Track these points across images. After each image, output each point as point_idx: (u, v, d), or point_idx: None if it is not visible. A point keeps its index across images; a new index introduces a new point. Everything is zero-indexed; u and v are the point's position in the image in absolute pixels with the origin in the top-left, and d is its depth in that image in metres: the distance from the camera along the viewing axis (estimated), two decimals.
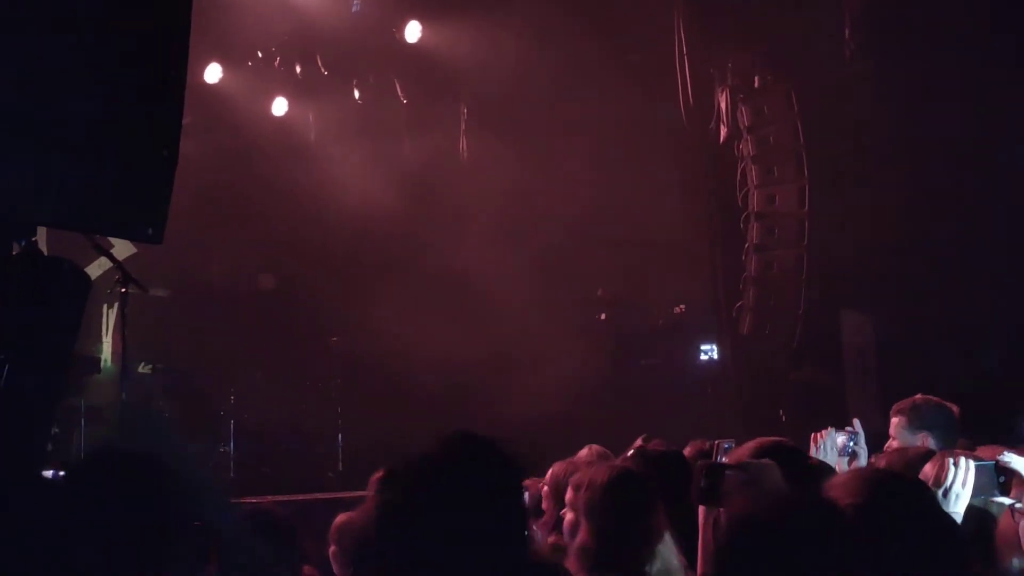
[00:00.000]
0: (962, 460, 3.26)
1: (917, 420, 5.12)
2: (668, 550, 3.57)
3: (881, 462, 3.95)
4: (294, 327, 11.89)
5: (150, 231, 4.00)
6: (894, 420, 5.18)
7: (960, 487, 3.21)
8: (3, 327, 3.53)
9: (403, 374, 11.22)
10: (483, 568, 2.25)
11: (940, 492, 3.21)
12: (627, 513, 3.61)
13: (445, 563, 2.22)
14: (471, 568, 2.23)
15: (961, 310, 9.09)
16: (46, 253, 3.98)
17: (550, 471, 4.72)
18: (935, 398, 5.28)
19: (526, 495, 3.99)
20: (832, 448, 4.50)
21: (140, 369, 10.29)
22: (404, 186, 11.84)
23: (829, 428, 4.60)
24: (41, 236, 4.22)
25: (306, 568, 4.04)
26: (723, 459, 3.75)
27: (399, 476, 2.39)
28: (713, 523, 3.06)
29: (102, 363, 10.30)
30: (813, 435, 4.57)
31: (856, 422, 4.73)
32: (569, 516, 3.80)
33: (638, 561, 3.55)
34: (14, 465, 2.85)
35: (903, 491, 2.65)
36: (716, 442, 4.03)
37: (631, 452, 4.58)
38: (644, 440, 6.71)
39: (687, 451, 4.73)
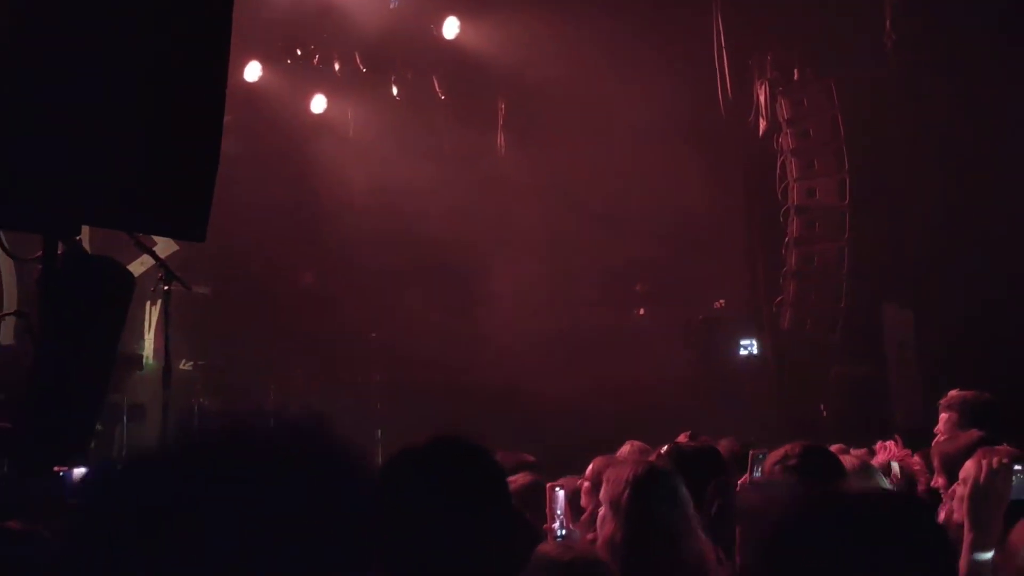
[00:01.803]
0: (1003, 463, 3.21)
1: (968, 416, 5.05)
2: (697, 545, 3.57)
3: (934, 456, 3.90)
4: (333, 323, 11.94)
5: (193, 229, 4.05)
6: (944, 416, 5.12)
7: (998, 488, 3.16)
8: (51, 326, 3.59)
9: (442, 370, 11.24)
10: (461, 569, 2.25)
11: (979, 491, 3.17)
12: (651, 509, 3.62)
13: (423, 564, 2.24)
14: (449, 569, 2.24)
15: (1004, 302, 8.97)
16: (89, 251, 4.03)
17: (590, 467, 4.71)
18: (986, 393, 5.21)
19: (560, 494, 3.99)
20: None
21: (181, 366, 10.38)
22: (442, 181, 11.85)
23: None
24: (84, 233, 4.28)
25: None
26: (757, 469, 3.72)
27: (385, 470, 2.39)
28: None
29: (144, 360, 10.41)
30: (880, 443, 4.48)
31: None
32: (602, 510, 3.83)
33: (662, 555, 3.56)
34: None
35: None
36: (751, 452, 3.98)
37: (665, 448, 4.56)
38: (689, 437, 6.68)
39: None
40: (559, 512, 3.90)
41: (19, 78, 3.62)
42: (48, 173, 3.68)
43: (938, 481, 4.39)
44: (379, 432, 11.41)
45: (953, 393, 5.28)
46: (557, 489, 3.94)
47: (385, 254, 12.10)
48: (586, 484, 4.63)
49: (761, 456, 3.70)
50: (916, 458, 5.10)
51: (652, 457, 4.46)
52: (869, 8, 9.88)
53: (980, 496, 3.16)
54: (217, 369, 11.00)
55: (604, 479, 3.81)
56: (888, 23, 9.86)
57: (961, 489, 3.65)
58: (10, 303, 10.37)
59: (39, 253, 3.83)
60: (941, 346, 9.48)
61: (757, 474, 3.60)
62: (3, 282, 10.69)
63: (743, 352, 11.57)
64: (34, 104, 3.63)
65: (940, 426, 5.23)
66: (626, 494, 3.61)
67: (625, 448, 5.21)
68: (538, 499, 4.24)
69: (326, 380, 11.61)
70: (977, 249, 9.20)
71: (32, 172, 3.66)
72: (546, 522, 4.11)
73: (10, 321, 8.84)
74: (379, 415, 11.45)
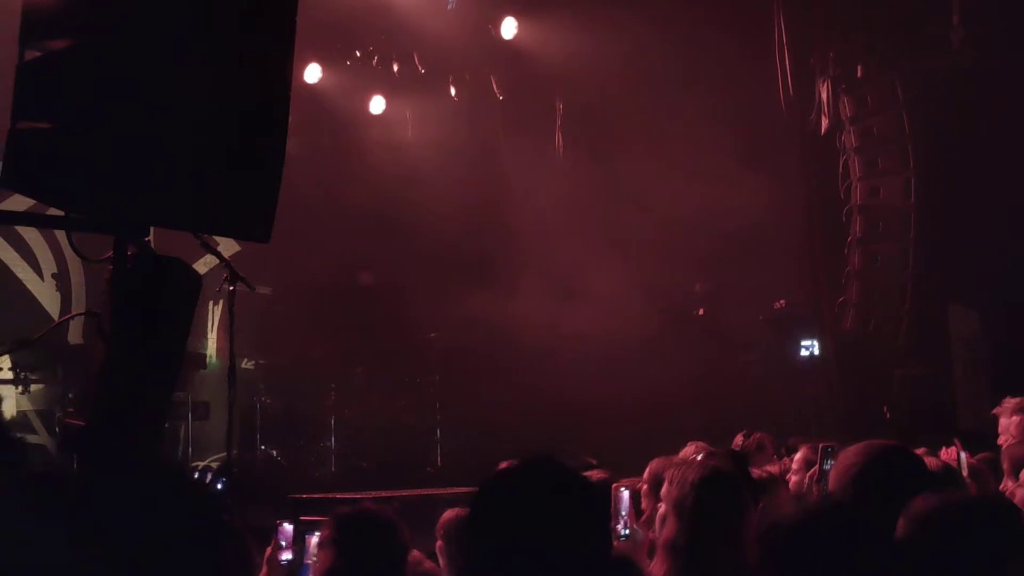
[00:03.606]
0: None
1: None
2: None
3: (1005, 459, 3.82)
4: (393, 323, 12.00)
5: (258, 230, 4.09)
6: (1015, 419, 5.01)
7: None
8: (121, 326, 3.65)
9: (501, 371, 11.25)
10: None
11: None
12: (713, 511, 3.61)
13: None
14: None
15: None
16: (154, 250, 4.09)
17: (648, 468, 4.69)
18: None
19: (625, 495, 3.98)
20: None
21: (243, 365, 10.52)
22: (501, 182, 11.86)
23: None
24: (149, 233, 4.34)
25: (415, 551, 4.10)
26: (828, 463, 3.67)
27: (485, 495, 2.40)
28: None
29: (208, 359, 10.57)
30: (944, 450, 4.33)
31: None
32: (661, 509, 3.82)
33: (724, 558, 3.54)
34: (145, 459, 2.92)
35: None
36: (820, 445, 3.94)
37: (727, 448, 4.53)
38: (744, 436, 6.63)
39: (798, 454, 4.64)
40: (623, 513, 3.90)
41: (91, 80, 3.69)
42: (118, 175, 3.73)
43: (1008, 484, 4.31)
44: (437, 432, 11.47)
45: (1017, 399, 5.17)
46: (622, 489, 3.94)
47: (445, 254, 12.14)
48: (644, 487, 4.62)
49: (831, 449, 3.65)
50: (976, 461, 5.02)
51: (713, 459, 4.42)
52: (935, 2, 9.70)
53: None
54: (278, 368, 11.13)
55: (667, 479, 3.80)
56: (955, 17, 9.66)
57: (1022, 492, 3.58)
58: (79, 303, 10.60)
59: (109, 254, 3.89)
60: (1007, 347, 9.29)
61: (827, 467, 3.55)
62: (72, 283, 10.93)
63: (804, 353, 11.43)
64: (105, 106, 3.70)
65: (1011, 431, 5.12)
66: (691, 496, 3.60)
67: (688, 449, 5.18)
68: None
69: (385, 380, 11.68)
70: None
71: (103, 174, 3.72)
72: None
73: (79, 321, 9.03)
74: (438, 414, 11.51)
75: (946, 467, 3.74)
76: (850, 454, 3.14)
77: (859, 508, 2.74)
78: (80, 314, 9.25)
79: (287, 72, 4.09)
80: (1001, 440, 5.10)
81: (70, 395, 8.62)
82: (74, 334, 9.85)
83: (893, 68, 10.27)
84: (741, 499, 3.66)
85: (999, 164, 9.50)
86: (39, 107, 3.68)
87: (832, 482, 3.08)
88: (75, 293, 10.90)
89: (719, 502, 3.62)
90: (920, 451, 4.66)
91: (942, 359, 10.07)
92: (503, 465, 2.50)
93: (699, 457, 4.44)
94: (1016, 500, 3.61)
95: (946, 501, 2.53)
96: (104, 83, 3.65)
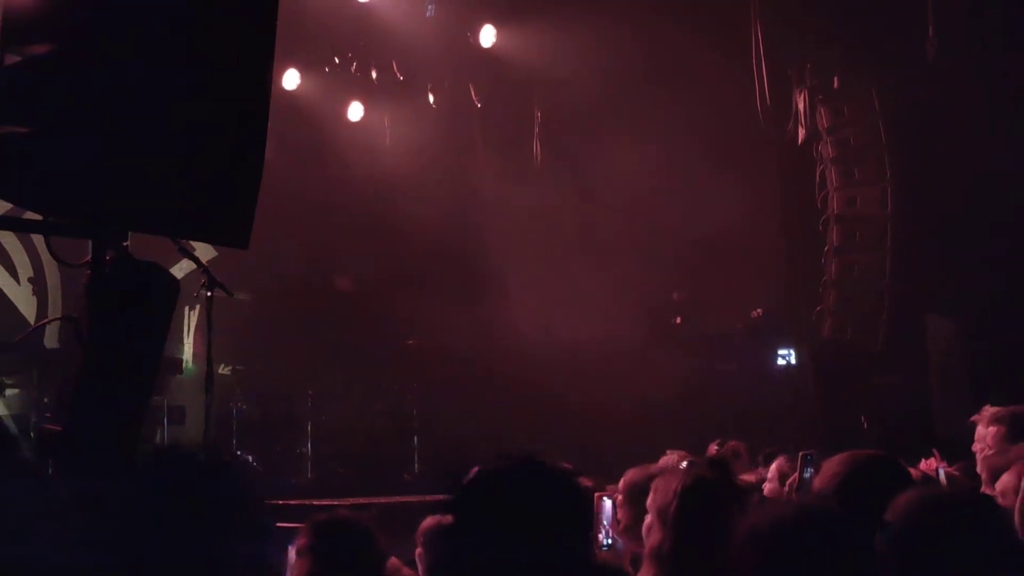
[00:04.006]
0: None
1: (1017, 429, 4.97)
2: None
3: (982, 469, 3.84)
4: (371, 329, 11.97)
5: (237, 236, 4.07)
6: (992, 430, 5.04)
7: None
8: (98, 330, 3.63)
9: (479, 377, 11.24)
10: None
11: (1018, 502, 3.14)
12: (698, 519, 3.61)
13: None
14: None
15: None
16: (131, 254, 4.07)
17: (624, 478, 4.69)
18: None
19: (607, 504, 3.98)
20: None
21: (220, 370, 10.45)
22: (479, 189, 11.87)
23: None
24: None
25: (393, 559, 4.09)
26: (808, 471, 3.68)
27: (471, 495, 2.38)
28: None
29: (184, 364, 10.52)
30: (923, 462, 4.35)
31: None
32: (648, 518, 3.82)
33: (709, 565, 3.54)
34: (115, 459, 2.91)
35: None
36: (800, 453, 3.94)
37: (706, 457, 4.53)
38: (718, 445, 6.65)
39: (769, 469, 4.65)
40: (605, 522, 3.89)
41: (70, 84, 3.67)
42: (97, 179, 3.71)
43: (986, 493, 4.33)
44: (415, 438, 11.44)
45: (995, 408, 5.20)
46: (605, 499, 3.93)
47: (422, 260, 12.14)
48: (619, 496, 4.61)
49: (810, 457, 3.66)
50: (954, 471, 5.05)
51: (694, 467, 4.43)
52: (910, 14, 9.78)
53: None
54: (255, 374, 11.07)
55: (652, 488, 3.80)
56: (930, 28, 9.75)
57: (1000, 501, 3.60)
58: (55, 308, 10.52)
59: (86, 258, 3.87)
60: (984, 357, 9.36)
61: (807, 475, 3.56)
62: (49, 287, 10.84)
63: (781, 362, 11.48)
64: (84, 110, 3.68)
65: (987, 440, 5.14)
66: (674, 504, 3.60)
67: (668, 458, 5.18)
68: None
69: (362, 385, 11.65)
70: (1022, 259, 9.08)
71: (81, 178, 3.70)
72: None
73: (55, 325, 8.96)
74: (415, 420, 11.48)
75: (925, 478, 3.76)
76: (834, 463, 3.16)
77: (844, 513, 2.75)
78: (57, 319, 9.18)
79: (267, 77, 4.08)
80: (976, 447, 5.13)
81: (45, 400, 8.55)
82: (50, 339, 9.77)
83: (869, 79, 10.35)
84: (726, 507, 3.66)
85: (975, 174, 9.58)
86: (17, 111, 3.66)
87: (815, 490, 3.09)
88: (51, 297, 10.82)
89: (703, 510, 3.62)
90: None
91: (919, 368, 10.14)
92: (486, 464, 2.46)
93: (683, 465, 4.44)
94: None
95: (929, 496, 2.56)
96: (83, 87, 3.63)
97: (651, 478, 4.15)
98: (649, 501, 3.83)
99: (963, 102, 9.64)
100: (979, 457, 4.87)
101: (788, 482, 4.01)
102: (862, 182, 10.35)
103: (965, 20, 9.59)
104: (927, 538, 2.41)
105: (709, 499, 3.65)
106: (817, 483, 3.16)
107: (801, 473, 3.75)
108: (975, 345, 9.64)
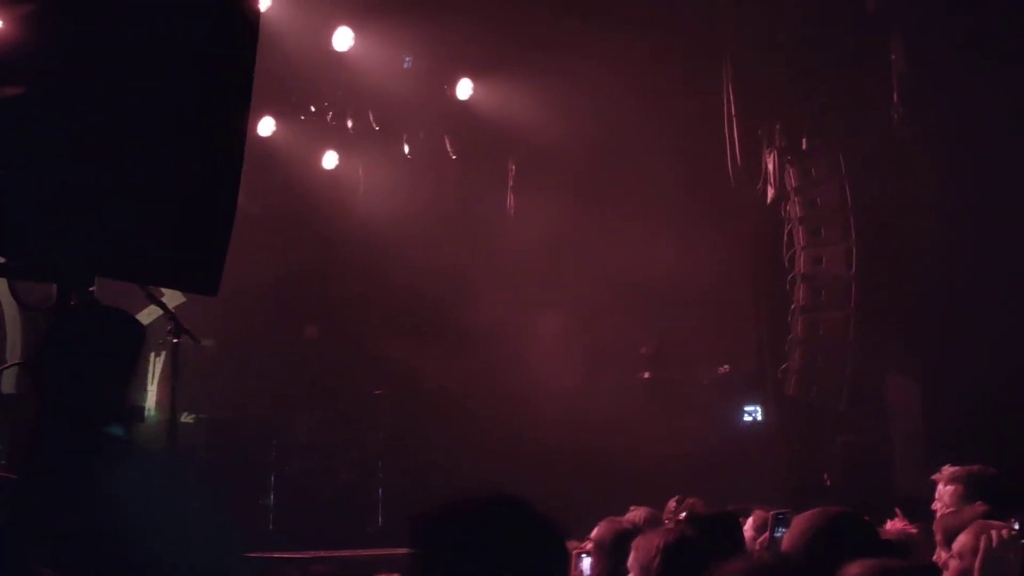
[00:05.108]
0: (1005, 535, 3.19)
1: (973, 489, 5.00)
2: None
3: (937, 530, 3.86)
4: (337, 379, 11.91)
5: (206, 283, 4.06)
6: (949, 488, 5.07)
7: (996, 562, 3.15)
8: (62, 376, 3.58)
9: (446, 429, 11.20)
10: None
11: (991, 562, 3.16)
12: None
13: None
14: None
15: (1012, 375, 8.94)
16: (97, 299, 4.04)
17: (595, 531, 4.68)
18: (991, 468, 5.17)
19: (586, 561, 3.97)
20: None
21: (183, 418, 10.33)
22: (451, 241, 11.91)
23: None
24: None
25: None
26: (780, 530, 3.70)
27: (439, 535, 2.32)
28: None
29: (146, 412, 10.38)
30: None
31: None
32: None
33: None
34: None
35: None
36: (773, 513, 3.96)
37: (683, 515, 4.54)
38: (676, 502, 6.64)
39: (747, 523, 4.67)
40: None
41: (39, 129, 3.67)
42: (64, 224, 3.70)
43: (940, 555, 4.34)
44: (379, 491, 11.33)
45: (954, 468, 5.23)
46: (584, 556, 3.93)
47: (391, 310, 12.12)
48: (591, 547, 4.61)
49: (782, 517, 3.68)
50: (914, 531, 5.06)
51: (671, 524, 4.45)
52: (876, 80, 9.99)
53: (991, 568, 3.14)
54: (219, 422, 10.95)
55: (633, 546, 3.84)
56: (895, 95, 9.96)
57: (957, 562, 3.62)
58: (14, 353, 10.37)
59: (50, 302, 3.84)
60: (947, 418, 9.44)
61: (779, 534, 3.58)
62: (8, 331, 10.69)
63: (747, 418, 11.53)
64: (53, 154, 3.67)
65: (944, 499, 5.17)
66: (656, 561, 3.63)
67: (634, 513, 5.17)
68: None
69: (328, 435, 11.56)
70: (985, 321, 9.20)
71: (48, 223, 3.68)
72: None
73: (13, 370, 8.83)
74: (380, 472, 11.38)
75: (900, 538, 3.79)
76: (803, 519, 3.18)
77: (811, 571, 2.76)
78: (16, 364, 9.05)
79: (242, 126, 4.09)
80: (935, 506, 5.16)
81: (0, 446, 8.41)
82: (7, 384, 9.62)
83: (836, 141, 10.54)
84: (706, 564, 3.67)
85: (938, 237, 9.74)
86: None
87: (785, 546, 3.11)
88: (10, 340, 10.67)
89: (685, 567, 3.64)
90: None
91: (882, 428, 10.21)
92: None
93: (667, 523, 4.46)
94: (949, 571, 3.65)
95: (880, 570, 2.56)
96: (52, 131, 3.63)
97: (621, 533, 4.17)
98: (631, 560, 3.85)
99: (926, 165, 9.83)
100: (937, 516, 4.89)
101: (759, 541, 4.02)
102: (828, 242, 10.48)
103: (928, 87, 9.82)
104: None
105: (690, 556, 3.67)
106: (787, 539, 3.18)
107: (772, 532, 3.77)
108: (936, 405, 9.72)
